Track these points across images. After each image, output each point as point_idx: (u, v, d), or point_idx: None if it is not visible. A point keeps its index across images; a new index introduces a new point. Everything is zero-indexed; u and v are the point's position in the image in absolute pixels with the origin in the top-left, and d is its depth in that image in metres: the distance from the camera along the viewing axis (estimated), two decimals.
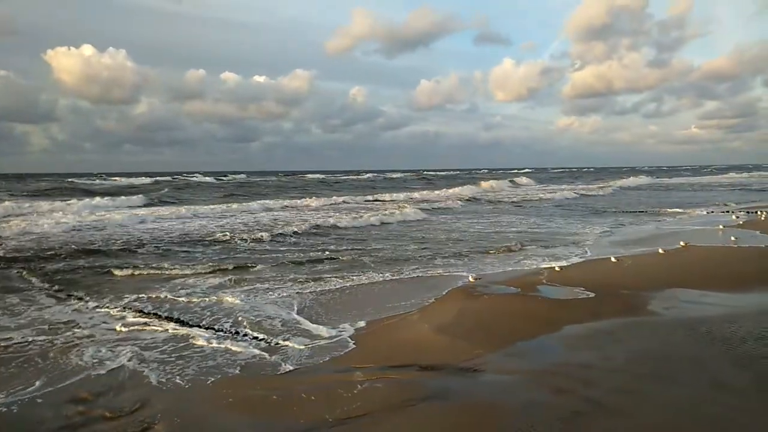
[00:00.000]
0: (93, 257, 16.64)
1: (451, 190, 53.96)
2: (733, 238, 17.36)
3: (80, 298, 11.60)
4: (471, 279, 12.30)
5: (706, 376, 6.55)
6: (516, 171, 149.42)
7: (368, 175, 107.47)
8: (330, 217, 27.72)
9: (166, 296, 11.75)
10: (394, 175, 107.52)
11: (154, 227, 24.43)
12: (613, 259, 14.22)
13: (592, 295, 10.69)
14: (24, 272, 14.17)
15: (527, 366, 7.21)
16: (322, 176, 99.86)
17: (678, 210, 30.97)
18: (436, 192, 52.86)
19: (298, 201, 40.86)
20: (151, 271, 14.35)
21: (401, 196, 47.83)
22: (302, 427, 5.79)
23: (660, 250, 15.45)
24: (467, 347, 7.89)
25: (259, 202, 39.19)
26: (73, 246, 18.33)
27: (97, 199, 39.83)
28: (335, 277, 13.49)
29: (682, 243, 16.65)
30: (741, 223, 22.56)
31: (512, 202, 42.21)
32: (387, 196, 46.58)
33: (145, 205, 39.01)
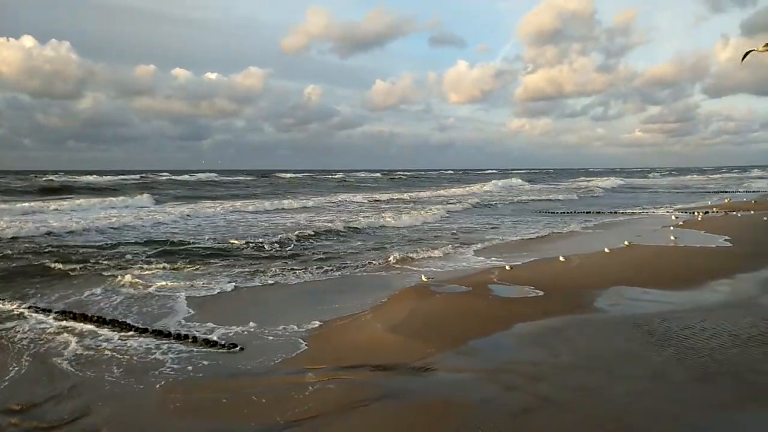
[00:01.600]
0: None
1: (444, 192, 54.56)
2: (672, 238, 18.17)
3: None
4: (424, 278, 12.38)
5: (647, 370, 6.82)
6: (480, 171, 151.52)
7: (338, 174, 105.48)
8: (368, 217, 27.39)
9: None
10: (373, 175, 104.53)
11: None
12: (561, 258, 14.61)
13: (541, 293, 10.95)
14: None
15: (479, 364, 7.31)
16: (294, 175, 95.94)
17: (633, 210, 32.24)
18: (435, 192, 53.54)
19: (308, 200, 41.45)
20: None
21: (406, 195, 47.73)
22: (253, 429, 5.68)
23: (606, 249, 15.99)
24: (420, 346, 7.94)
25: (273, 201, 38.90)
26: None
27: (110, 199, 37.61)
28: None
29: (626, 242, 17.30)
30: (681, 223, 23.64)
31: (530, 200, 42.88)
32: (386, 196, 46.87)
33: (155, 204, 37.04)
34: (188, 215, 28.41)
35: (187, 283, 12.73)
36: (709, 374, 6.64)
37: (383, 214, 28.24)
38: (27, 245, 17.84)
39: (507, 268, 13.44)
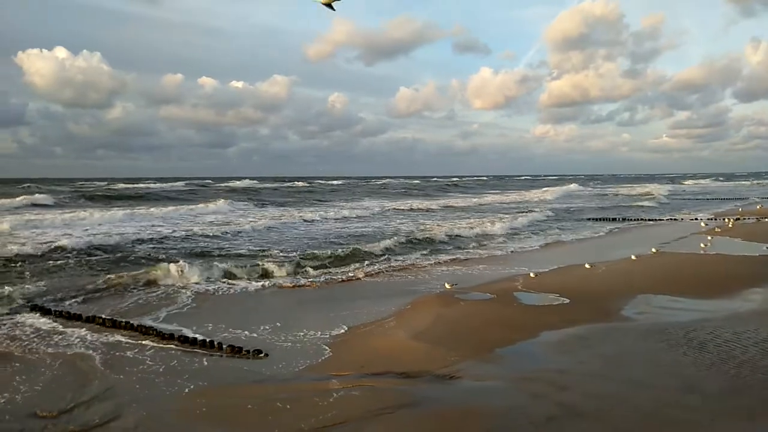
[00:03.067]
0: None
1: (506, 197, 55.33)
2: (702, 245, 17.77)
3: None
4: (447, 285, 12.31)
5: (675, 380, 6.66)
6: (516, 177, 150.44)
7: (380, 180, 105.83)
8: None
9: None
10: (412, 181, 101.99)
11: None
12: (587, 266, 14.39)
13: (567, 301, 10.81)
14: None
15: (504, 372, 7.25)
16: (338, 182, 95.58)
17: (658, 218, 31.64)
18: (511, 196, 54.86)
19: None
20: None
21: (462, 202, 47.97)
22: None
23: (632, 257, 15.72)
24: (444, 354, 7.89)
25: (350, 209, 38.25)
26: None
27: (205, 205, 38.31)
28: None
29: (653, 249, 16.99)
30: (712, 229, 23.07)
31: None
32: (451, 203, 47.17)
33: (232, 210, 37.72)
34: (288, 220, 29.20)
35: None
36: (739, 384, 6.47)
37: (481, 222, 28.14)
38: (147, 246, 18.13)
39: (531, 275, 13.29)
